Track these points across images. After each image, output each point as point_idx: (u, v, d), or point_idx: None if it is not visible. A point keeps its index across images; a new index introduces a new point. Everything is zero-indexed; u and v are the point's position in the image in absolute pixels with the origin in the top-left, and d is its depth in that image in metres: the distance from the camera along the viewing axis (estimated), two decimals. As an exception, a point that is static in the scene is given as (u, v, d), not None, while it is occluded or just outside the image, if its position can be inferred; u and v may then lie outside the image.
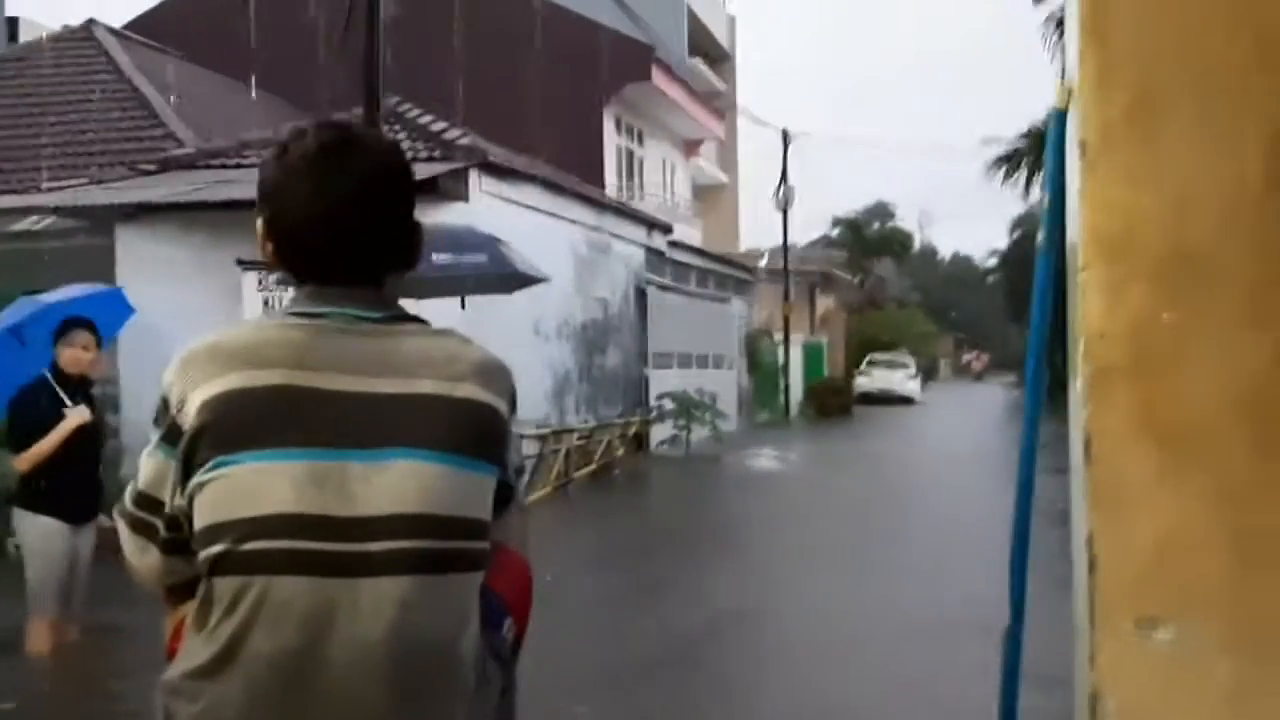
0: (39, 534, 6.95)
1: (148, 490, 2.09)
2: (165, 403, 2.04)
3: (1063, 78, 2.65)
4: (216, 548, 1.94)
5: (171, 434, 2.02)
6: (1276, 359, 2.28)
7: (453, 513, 2.02)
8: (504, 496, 2.17)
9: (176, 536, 2.05)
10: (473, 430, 2.07)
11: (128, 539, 2.15)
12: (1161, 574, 2.38)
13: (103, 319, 7.65)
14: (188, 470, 1.99)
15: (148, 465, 2.09)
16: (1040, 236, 2.67)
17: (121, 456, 9.85)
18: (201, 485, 1.97)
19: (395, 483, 1.98)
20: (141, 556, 2.14)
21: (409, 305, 2.22)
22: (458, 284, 11.21)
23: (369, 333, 2.08)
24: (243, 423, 1.96)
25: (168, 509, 2.05)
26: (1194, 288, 2.31)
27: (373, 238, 2.13)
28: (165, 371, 2.06)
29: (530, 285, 12.62)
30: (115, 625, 7.65)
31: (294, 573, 1.92)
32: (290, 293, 2.19)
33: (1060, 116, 2.61)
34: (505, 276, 11.48)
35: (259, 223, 2.15)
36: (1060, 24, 20.76)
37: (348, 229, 2.10)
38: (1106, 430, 2.38)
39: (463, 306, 11.69)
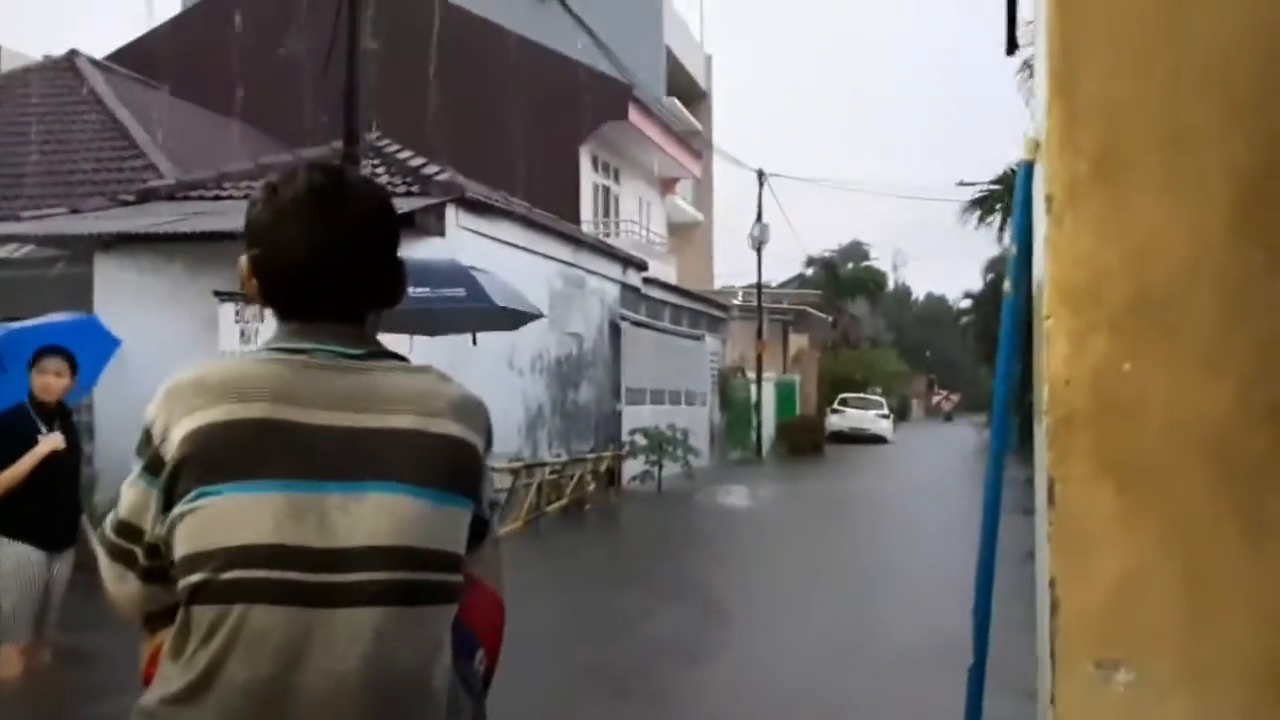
0: (15, 561, 6.93)
1: (128, 519, 2.12)
2: (148, 434, 2.07)
3: (1031, 131, 2.72)
4: (196, 576, 1.98)
5: (154, 464, 2.06)
6: (1232, 409, 2.35)
7: (428, 545, 2.06)
8: (479, 531, 2.21)
9: (156, 565, 2.09)
10: (449, 465, 2.11)
11: (107, 566, 2.19)
12: (1121, 616, 2.43)
13: (82, 346, 7.64)
14: (169, 500, 2.03)
15: (129, 494, 2.12)
16: (1007, 285, 2.73)
17: (95, 483, 9.83)
18: (183, 515, 2.00)
19: (372, 515, 2.02)
20: (120, 584, 2.17)
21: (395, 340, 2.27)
22: (439, 318, 11.10)
23: (350, 368, 2.13)
24: (225, 455, 2.00)
25: (148, 537, 2.08)
26: (1154, 338, 2.38)
27: (357, 278, 2.19)
28: (149, 403, 2.09)
29: (525, 322, 12.78)
30: (87, 650, 7.63)
31: (271, 602, 1.95)
32: (272, 326, 2.24)
33: (1028, 169, 2.68)
34: (490, 312, 11.40)
35: (244, 260, 2.19)
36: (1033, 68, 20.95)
37: (334, 271, 2.15)
38: (1069, 475, 2.43)
39: (474, 342, 11.96)
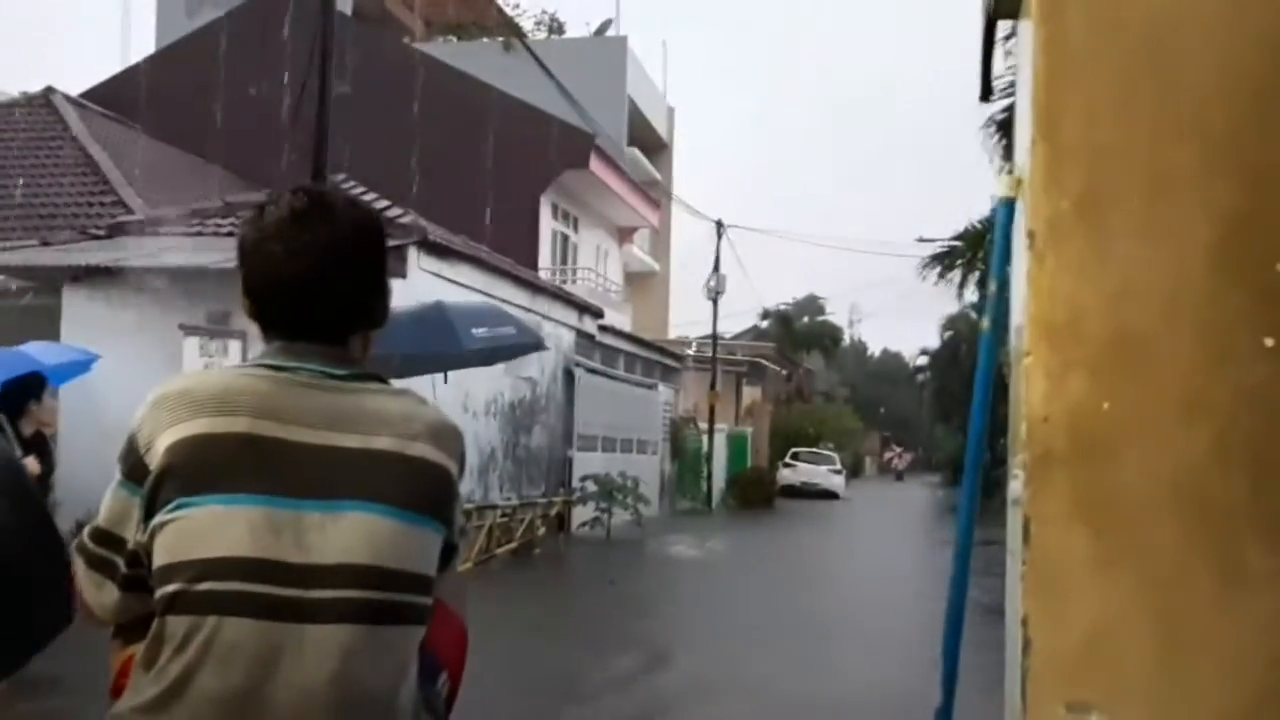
0: None
1: (108, 527, 2.12)
2: (133, 442, 2.09)
3: (1011, 170, 2.72)
4: (171, 586, 1.99)
5: (137, 472, 2.07)
6: (1210, 451, 2.34)
7: (400, 566, 2.07)
8: (447, 555, 2.23)
9: (136, 574, 2.09)
10: (424, 488, 2.14)
11: (84, 575, 2.18)
12: (1093, 659, 2.41)
13: (55, 370, 7.58)
14: (151, 509, 2.04)
15: (110, 503, 2.13)
16: (985, 322, 2.72)
17: (55, 511, 9.71)
18: (163, 524, 2.02)
19: (347, 534, 2.04)
20: (97, 593, 2.17)
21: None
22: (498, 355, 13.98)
23: (333, 388, 2.15)
24: (207, 466, 2.02)
25: (130, 545, 2.09)
26: (1133, 378, 2.37)
27: (340, 299, 2.21)
28: (136, 411, 2.12)
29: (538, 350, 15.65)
30: (49, 676, 7.51)
31: (244, 615, 1.97)
32: (235, 358, 2.25)
33: (1009, 207, 2.68)
34: (525, 345, 14.09)
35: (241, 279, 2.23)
36: (1001, 125, 21.22)
37: (316, 290, 2.17)
38: (1045, 514, 2.41)
39: (444, 380, 13.33)
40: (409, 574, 2.09)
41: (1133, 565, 2.39)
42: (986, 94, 3.71)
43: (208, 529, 1.99)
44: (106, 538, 2.13)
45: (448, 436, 2.22)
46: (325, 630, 1.99)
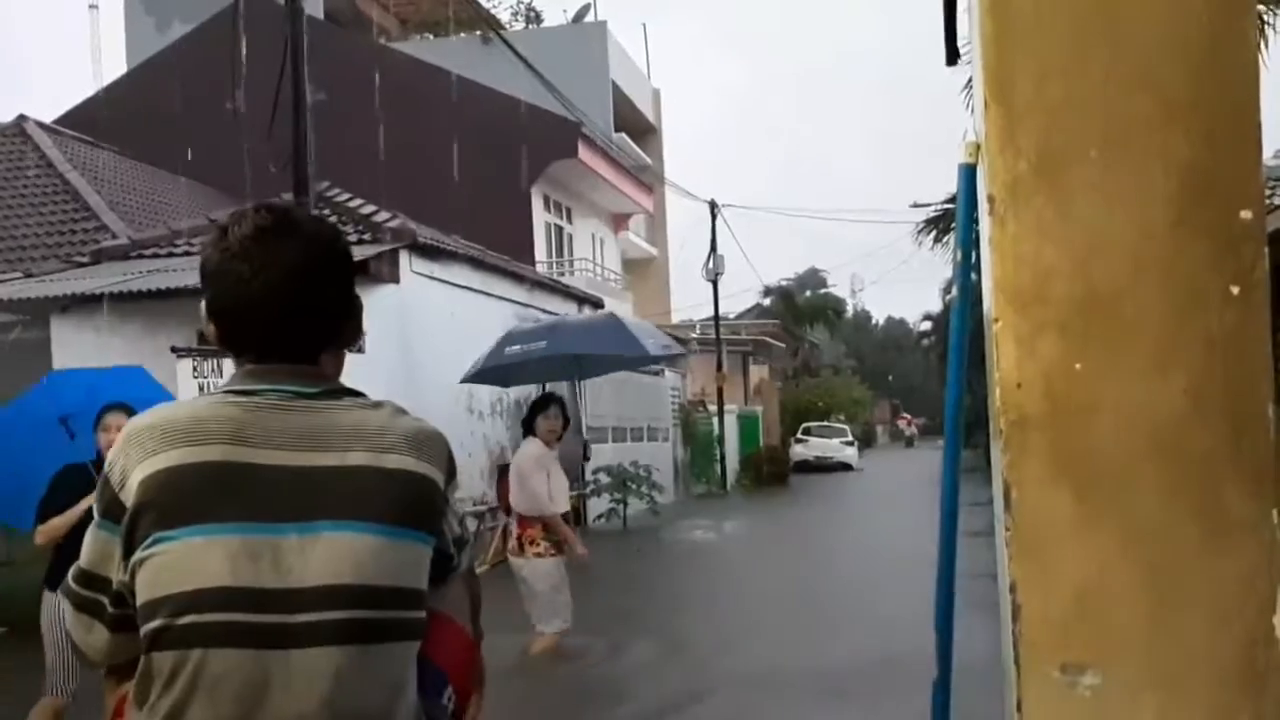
0: (52, 615, 6.85)
1: (90, 568, 2.11)
2: (107, 480, 2.07)
3: (970, 134, 2.71)
4: (155, 622, 1.97)
5: (114, 511, 2.05)
6: (1186, 402, 2.33)
7: (385, 583, 2.04)
8: (443, 567, 2.20)
9: (123, 613, 2.07)
10: (405, 500, 2.10)
11: (73, 617, 2.17)
12: (1083, 620, 2.41)
13: (136, 396, 7.57)
14: (130, 546, 2.02)
15: (90, 543, 2.11)
16: (954, 291, 2.71)
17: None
18: (142, 561, 2.00)
19: (328, 554, 2.01)
20: (88, 635, 2.16)
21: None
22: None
23: (304, 408, 2.12)
24: (180, 499, 2.00)
25: (115, 585, 2.07)
26: (1103, 337, 2.36)
27: (308, 318, 2.17)
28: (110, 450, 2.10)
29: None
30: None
31: (229, 645, 1.95)
32: (228, 372, 2.24)
33: (969, 172, 2.67)
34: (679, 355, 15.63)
35: (203, 304, 2.19)
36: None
37: (283, 310, 2.14)
38: (1025, 479, 2.41)
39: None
40: (395, 589, 2.06)
41: (1116, 522, 2.38)
42: (953, 58, 3.70)
43: (186, 562, 1.97)
44: (91, 579, 2.12)
45: (428, 444, 2.18)
46: (312, 654, 1.97)
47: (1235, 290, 2.30)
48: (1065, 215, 2.37)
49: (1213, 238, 2.31)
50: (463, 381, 14.51)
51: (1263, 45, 11.90)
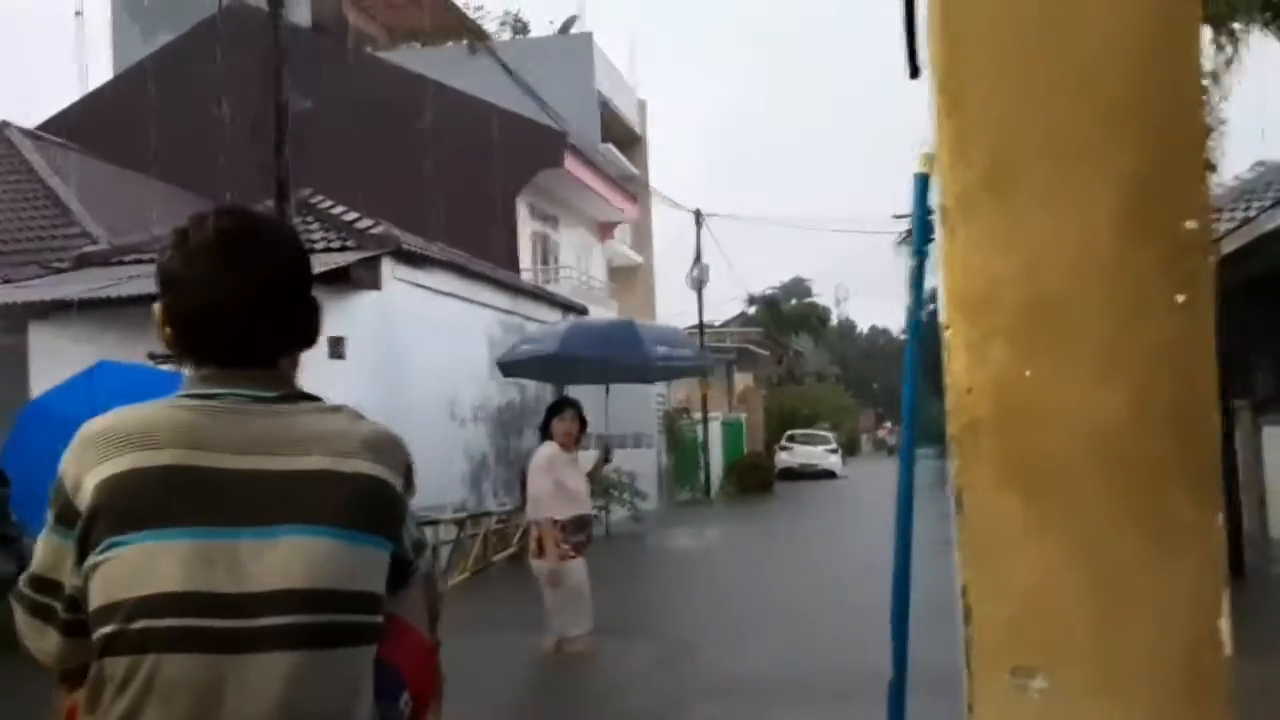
0: None
1: (42, 573, 2.11)
2: (60, 484, 2.07)
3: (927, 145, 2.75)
4: (108, 627, 1.97)
5: (67, 515, 2.05)
6: (1131, 413, 2.36)
7: (342, 587, 2.05)
8: (402, 572, 2.21)
9: (76, 618, 2.07)
10: (363, 505, 2.11)
11: (24, 622, 2.17)
12: (1033, 624, 2.43)
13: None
14: (83, 551, 2.02)
15: (43, 548, 2.11)
16: (909, 299, 2.75)
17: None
18: (95, 566, 1.99)
19: (284, 559, 2.01)
20: (40, 640, 2.16)
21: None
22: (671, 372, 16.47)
23: (261, 412, 2.12)
24: (134, 504, 2.00)
25: (67, 590, 2.07)
26: (1051, 344, 2.39)
27: (269, 322, 2.18)
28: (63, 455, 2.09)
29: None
30: None
31: (183, 650, 1.94)
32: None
33: (924, 182, 2.70)
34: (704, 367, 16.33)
35: (156, 308, 2.20)
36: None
37: (245, 314, 2.15)
38: (975, 483, 2.44)
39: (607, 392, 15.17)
40: (353, 593, 2.06)
41: (1064, 528, 2.41)
42: (915, 72, 3.73)
43: (140, 567, 1.97)
44: (43, 584, 2.11)
45: (387, 449, 2.18)
46: (268, 658, 1.97)
47: (1180, 299, 2.33)
48: (1014, 225, 2.40)
49: (1158, 247, 2.34)
50: (502, 366, 15.32)
51: (1235, 63, 12.00)
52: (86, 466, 2.03)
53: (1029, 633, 2.43)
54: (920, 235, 2.73)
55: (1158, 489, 2.38)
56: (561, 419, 10.75)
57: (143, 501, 2.00)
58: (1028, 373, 2.41)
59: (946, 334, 2.45)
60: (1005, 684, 2.45)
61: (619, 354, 14.16)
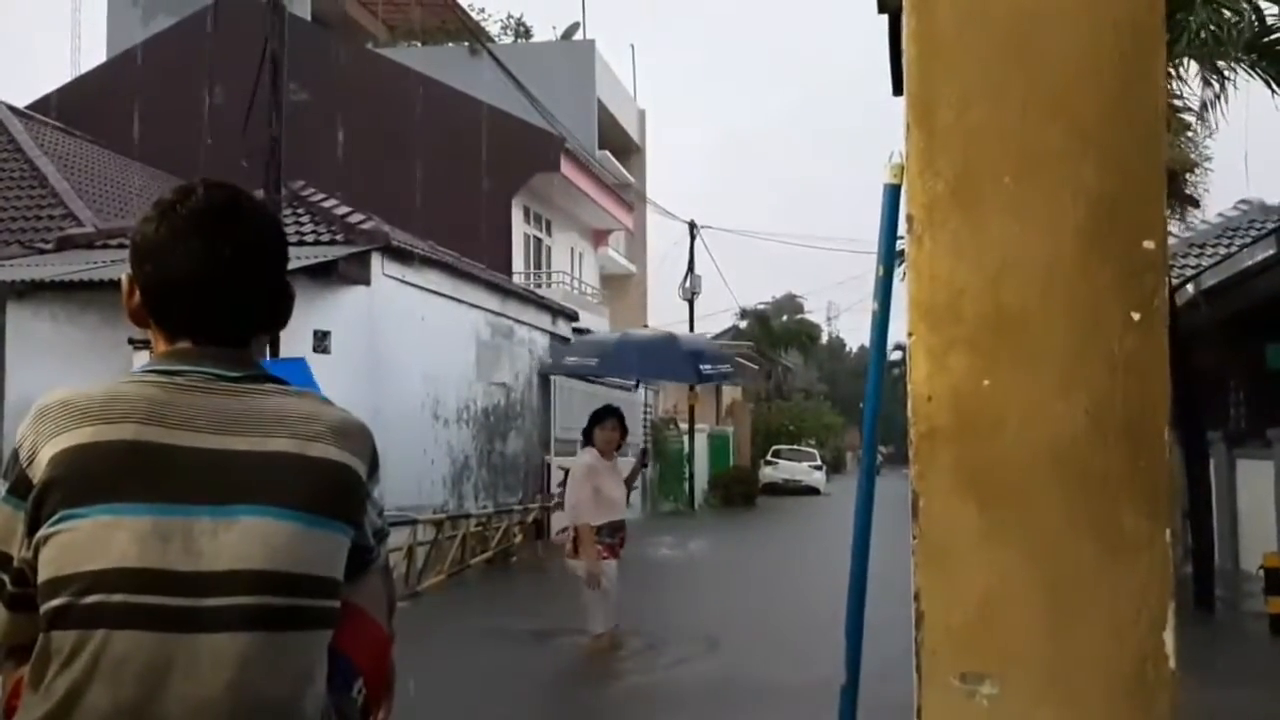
0: None
1: None
2: (16, 455, 2.03)
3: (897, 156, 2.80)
4: (57, 600, 1.93)
5: (21, 486, 2.00)
6: (1086, 423, 2.41)
7: (298, 570, 2.01)
8: (361, 560, 2.18)
9: (24, 592, 2.01)
10: (325, 489, 2.08)
11: None
12: (984, 630, 2.48)
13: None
14: (35, 523, 1.98)
15: None
16: (874, 305, 2.79)
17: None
18: (47, 538, 1.95)
19: (241, 539, 1.98)
20: None
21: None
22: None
23: (226, 391, 2.09)
24: (91, 477, 1.96)
25: (15, 563, 2.02)
26: (1011, 355, 2.44)
27: (250, 300, 2.17)
28: (20, 424, 2.05)
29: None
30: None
31: (133, 627, 1.91)
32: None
33: (894, 191, 2.75)
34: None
35: (125, 277, 2.18)
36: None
37: (231, 290, 2.13)
38: (932, 490, 2.48)
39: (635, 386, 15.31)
40: (309, 577, 2.03)
41: (1018, 536, 2.46)
42: (899, 89, 3.78)
43: (94, 541, 1.93)
44: None
45: (353, 435, 2.15)
46: (219, 639, 1.93)
47: (1136, 316, 2.38)
48: (979, 237, 2.45)
49: (1117, 265, 2.39)
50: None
51: (1221, 102, 12.07)
52: (43, 438, 1.99)
53: (980, 639, 2.48)
54: (889, 244, 2.77)
55: (1110, 500, 2.43)
56: (603, 427, 10.84)
57: (100, 475, 1.96)
58: (986, 382, 2.46)
59: (909, 341, 2.50)
60: (954, 689, 2.49)
61: (669, 373, 14.64)
